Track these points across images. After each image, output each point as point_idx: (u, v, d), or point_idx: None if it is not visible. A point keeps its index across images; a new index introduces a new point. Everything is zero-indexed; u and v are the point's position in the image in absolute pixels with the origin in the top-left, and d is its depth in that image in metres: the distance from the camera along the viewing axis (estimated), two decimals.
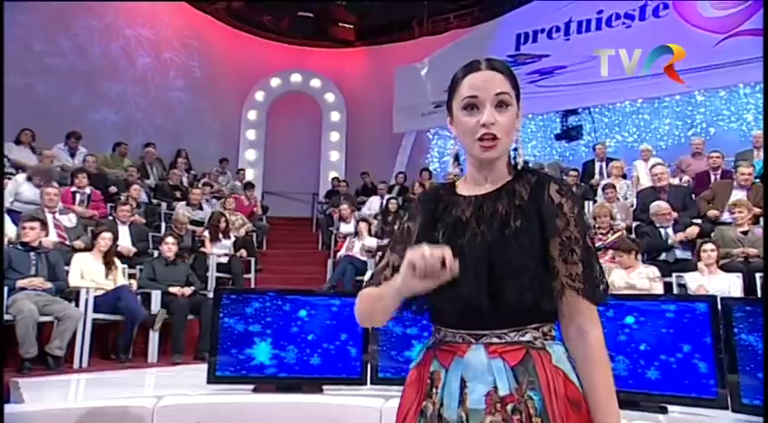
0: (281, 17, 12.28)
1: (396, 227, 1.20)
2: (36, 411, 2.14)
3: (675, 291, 4.57)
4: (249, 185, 9.09)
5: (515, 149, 1.13)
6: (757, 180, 5.85)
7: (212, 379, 2.73)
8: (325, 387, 2.75)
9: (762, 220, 5.06)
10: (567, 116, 10.69)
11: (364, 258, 6.61)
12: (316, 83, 12.21)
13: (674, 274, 4.78)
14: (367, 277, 1.22)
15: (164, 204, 7.57)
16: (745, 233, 4.94)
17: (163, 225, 6.83)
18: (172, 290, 4.96)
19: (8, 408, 2.43)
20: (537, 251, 1.03)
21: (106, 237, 4.81)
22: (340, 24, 12.61)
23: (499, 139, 1.07)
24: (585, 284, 1.04)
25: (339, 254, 6.87)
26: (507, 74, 1.11)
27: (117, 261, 4.95)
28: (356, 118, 12.18)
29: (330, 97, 12.20)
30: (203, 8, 11.52)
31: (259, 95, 11.90)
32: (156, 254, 5.65)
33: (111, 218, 6.03)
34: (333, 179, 10.66)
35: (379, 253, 5.20)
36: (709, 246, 4.50)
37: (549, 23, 10.51)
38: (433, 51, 11.62)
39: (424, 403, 1.05)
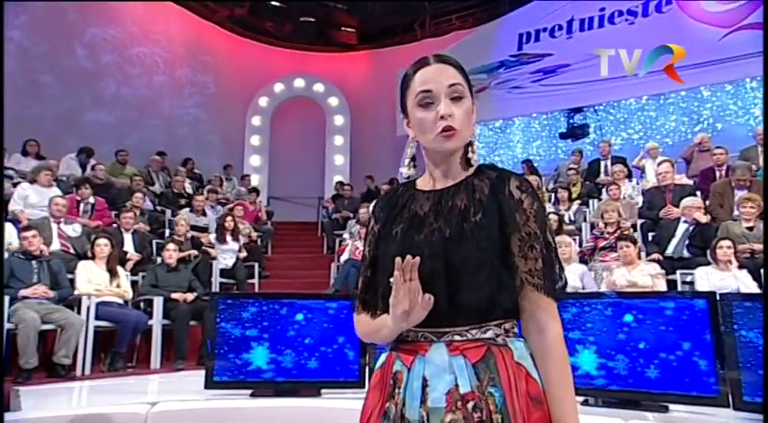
0: (283, 23, 12.32)
1: (366, 234, 1.20)
2: (30, 419, 2.15)
3: (680, 288, 4.50)
4: (253, 191, 9.10)
5: (470, 144, 1.12)
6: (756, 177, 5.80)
7: (210, 384, 2.72)
8: (323, 391, 2.73)
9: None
10: (572, 115, 10.65)
11: None
12: (319, 87, 12.24)
13: (678, 272, 4.71)
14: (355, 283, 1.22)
15: (168, 211, 7.59)
16: (750, 229, 4.87)
17: (167, 232, 6.84)
18: (174, 296, 4.97)
19: (7, 416, 2.44)
20: (495, 246, 1.03)
21: (101, 243, 4.83)
22: (342, 28, 12.63)
23: (458, 130, 1.06)
24: (545, 280, 1.03)
25: (342, 258, 6.85)
26: (458, 67, 1.11)
27: (120, 269, 4.96)
28: (360, 121, 12.20)
29: (333, 101, 12.22)
30: (208, 17, 11.60)
31: (263, 101, 11.95)
32: (159, 260, 5.66)
33: (115, 226, 6.05)
34: (337, 183, 10.65)
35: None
36: (726, 242, 4.39)
37: (552, 22, 10.48)
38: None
39: (387, 405, 1.04)
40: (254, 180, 10.71)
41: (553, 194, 7.69)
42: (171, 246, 5.28)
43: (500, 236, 1.03)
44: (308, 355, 2.78)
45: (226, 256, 6.27)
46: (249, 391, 2.74)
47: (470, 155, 1.11)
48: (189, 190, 8.60)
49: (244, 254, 6.53)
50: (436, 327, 1.02)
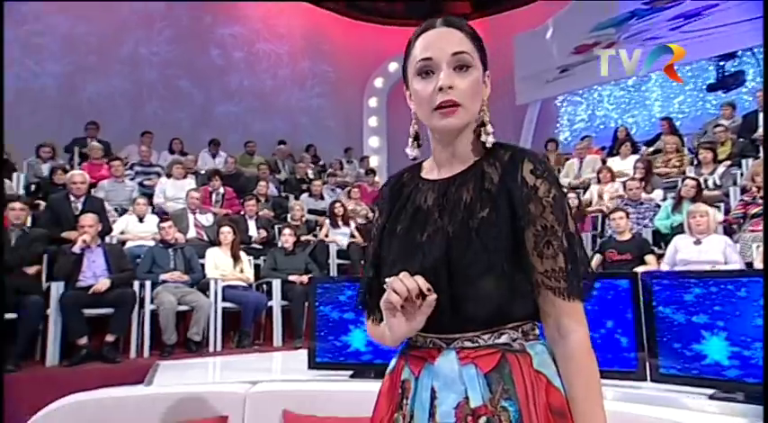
0: (394, 0, 12.26)
1: (371, 225, 1.09)
2: (144, 395, 2.36)
3: None
4: (371, 172, 9.27)
5: (482, 125, 0.96)
6: None
7: (313, 365, 2.80)
8: None
9: None
10: (723, 62, 9.29)
11: None
12: None
13: None
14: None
15: (291, 197, 8.01)
16: None
17: (289, 217, 7.22)
18: (291, 278, 5.23)
19: (136, 389, 2.74)
20: (505, 246, 0.88)
21: (225, 231, 5.20)
22: None
23: (460, 105, 0.92)
24: (565, 282, 0.88)
25: None
26: (468, 32, 0.95)
27: (242, 254, 5.34)
28: None
29: None
30: (325, 5, 11.92)
31: (378, 82, 12.08)
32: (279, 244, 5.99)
33: (242, 214, 6.52)
34: None
35: None
36: None
37: None
38: (554, 13, 10.78)
39: (395, 415, 0.96)
40: (374, 161, 10.89)
41: (694, 156, 6.79)
42: (287, 230, 5.57)
43: (511, 232, 0.89)
44: None
45: (341, 237, 6.47)
46: (350, 373, 2.77)
47: (484, 137, 0.95)
48: (311, 175, 8.99)
49: (355, 237, 6.66)
50: (445, 332, 0.92)
